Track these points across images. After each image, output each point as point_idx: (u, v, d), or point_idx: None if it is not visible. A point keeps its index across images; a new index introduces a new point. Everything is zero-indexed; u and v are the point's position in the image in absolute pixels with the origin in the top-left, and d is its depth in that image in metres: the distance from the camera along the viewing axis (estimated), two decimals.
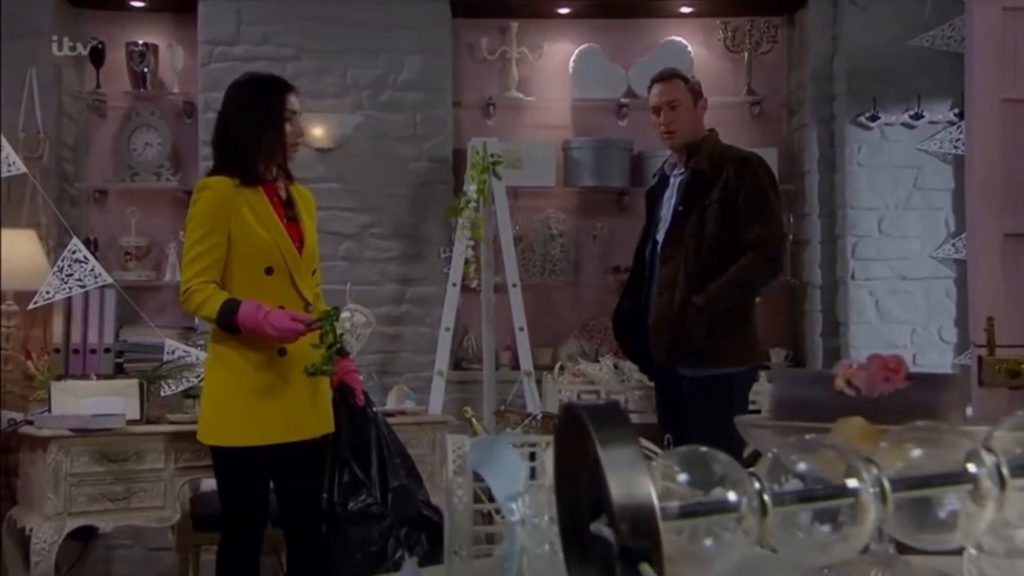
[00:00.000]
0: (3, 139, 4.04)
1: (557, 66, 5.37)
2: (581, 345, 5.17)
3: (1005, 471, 0.90)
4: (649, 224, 3.92)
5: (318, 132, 5.02)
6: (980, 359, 3.67)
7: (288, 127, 3.15)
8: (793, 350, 5.24)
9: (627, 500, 0.77)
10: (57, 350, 3.78)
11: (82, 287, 3.89)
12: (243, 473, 3.10)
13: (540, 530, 1.03)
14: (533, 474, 1.22)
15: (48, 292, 3.92)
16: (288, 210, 3.19)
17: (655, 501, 0.77)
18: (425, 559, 2.94)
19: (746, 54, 5.33)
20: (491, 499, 1.16)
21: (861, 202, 5.01)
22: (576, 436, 0.85)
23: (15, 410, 3.99)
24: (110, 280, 4.00)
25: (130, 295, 4.34)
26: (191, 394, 3.72)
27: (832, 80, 5.12)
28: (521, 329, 4.70)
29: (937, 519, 0.92)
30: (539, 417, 3.75)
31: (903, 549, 1.12)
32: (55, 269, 3.97)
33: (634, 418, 4.50)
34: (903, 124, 5.01)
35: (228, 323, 3.00)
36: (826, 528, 0.90)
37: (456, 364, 5.10)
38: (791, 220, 5.12)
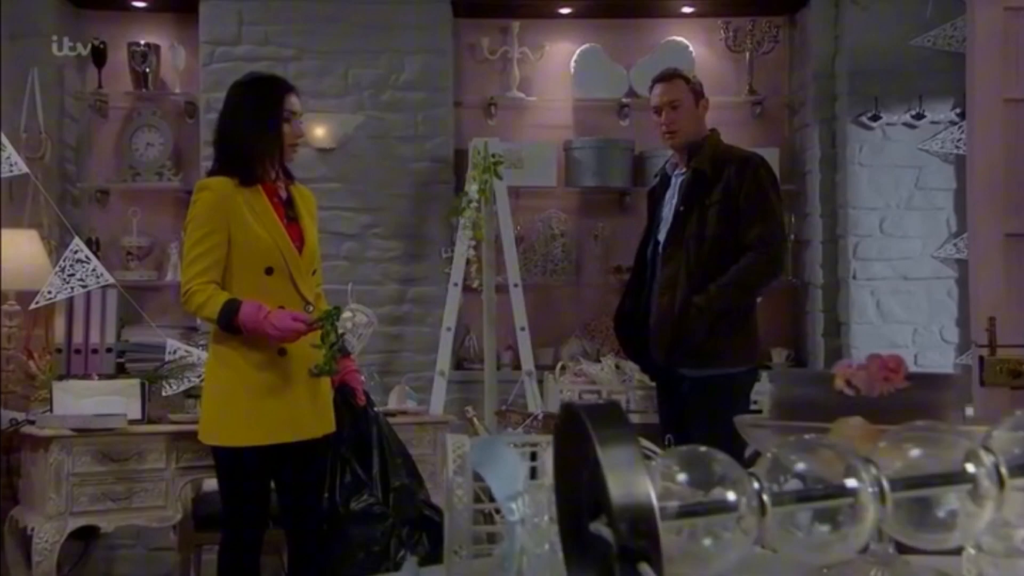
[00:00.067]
0: (5, 139, 4.04)
1: (558, 66, 5.37)
2: (582, 345, 5.17)
3: (1004, 471, 0.90)
4: (650, 224, 3.93)
5: (320, 132, 5.02)
6: (981, 359, 3.67)
7: (287, 127, 3.15)
8: (794, 350, 5.24)
9: (626, 500, 0.77)
10: (59, 350, 3.78)
11: (84, 287, 3.89)
12: (244, 473, 3.11)
13: (540, 530, 1.03)
14: (534, 474, 1.22)
15: (50, 292, 3.92)
16: (288, 210, 3.19)
17: (654, 501, 0.77)
18: (426, 559, 2.94)
19: (748, 54, 5.33)
20: (491, 499, 1.16)
21: (862, 202, 5.01)
22: (575, 436, 0.85)
23: (17, 410, 4.00)
24: (112, 280, 4.01)
25: (132, 295, 4.34)
26: (192, 394, 3.72)
27: (834, 80, 5.12)
28: (522, 329, 4.70)
29: (936, 519, 0.92)
30: (540, 417, 3.76)
31: (903, 549, 1.12)
32: (57, 269, 3.97)
33: (635, 418, 4.50)
34: (905, 124, 5.01)
35: (229, 323, 3.00)
36: (825, 528, 0.90)
37: (457, 364, 5.10)
38: (792, 220, 5.12)
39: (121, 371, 3.78)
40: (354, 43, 5.10)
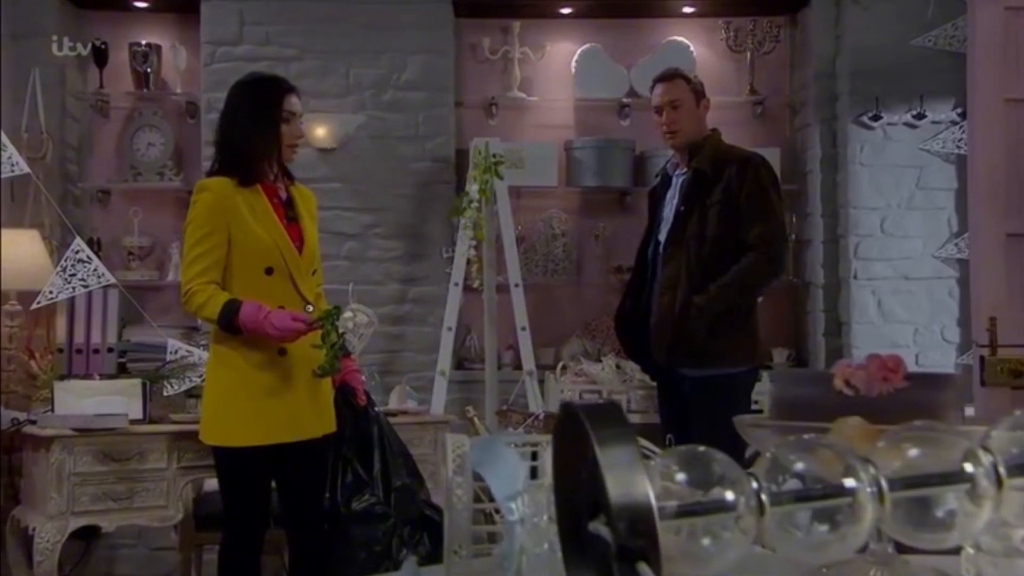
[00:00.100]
0: (6, 139, 4.05)
1: (559, 66, 5.37)
2: (583, 345, 5.17)
3: (1002, 471, 0.90)
4: (651, 224, 3.93)
5: (321, 132, 5.02)
6: (982, 359, 3.68)
7: (286, 128, 3.15)
8: (795, 350, 5.24)
9: (624, 499, 0.78)
10: (60, 350, 3.79)
11: (85, 287, 3.90)
12: (244, 473, 3.11)
13: (539, 529, 1.03)
14: (535, 473, 1.22)
15: (51, 292, 3.92)
16: (288, 210, 3.20)
17: (652, 500, 0.77)
18: (427, 558, 2.95)
19: (748, 54, 5.33)
20: (491, 498, 1.16)
21: (863, 202, 5.01)
22: (574, 435, 0.85)
23: (18, 409, 4.00)
24: (113, 280, 4.01)
25: (133, 295, 4.35)
26: (194, 394, 3.72)
27: (835, 80, 5.12)
28: (523, 329, 4.71)
29: (935, 518, 0.92)
30: (541, 417, 3.76)
31: (902, 548, 1.12)
32: (58, 269, 3.98)
33: (636, 418, 4.50)
34: (906, 124, 5.01)
35: (230, 324, 3.01)
36: (824, 527, 0.90)
37: (458, 364, 5.10)
38: (793, 220, 5.12)
39: (122, 371, 3.79)
40: (355, 43, 5.10)
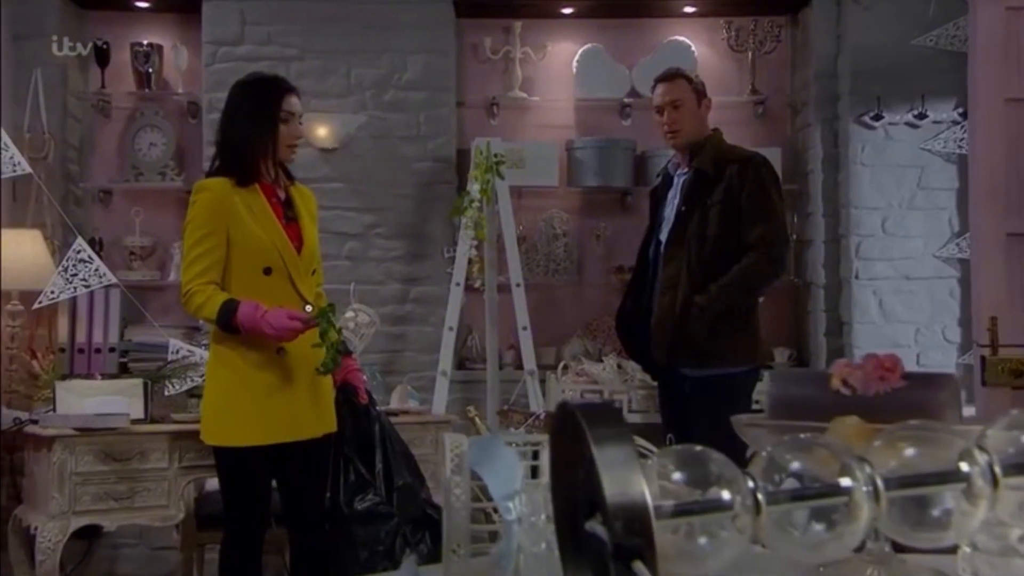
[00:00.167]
0: (8, 139, 4.05)
1: (560, 66, 5.37)
2: (584, 344, 5.18)
3: (998, 470, 0.90)
4: (652, 224, 3.93)
5: (322, 132, 5.03)
6: (983, 359, 3.67)
7: (284, 128, 3.15)
8: (797, 350, 5.24)
9: (621, 498, 0.78)
10: (62, 349, 3.79)
11: (87, 287, 3.90)
12: (245, 473, 3.12)
13: (537, 529, 1.03)
14: (535, 473, 1.22)
15: (53, 292, 3.93)
16: (287, 210, 3.20)
17: (648, 499, 0.78)
18: (429, 557, 2.95)
19: (750, 54, 5.33)
20: (490, 498, 1.17)
21: (865, 202, 5.01)
22: (571, 435, 0.85)
23: (20, 409, 4.01)
24: (114, 280, 4.01)
25: (134, 295, 4.35)
26: (195, 393, 3.72)
27: (836, 79, 5.12)
28: (524, 329, 4.71)
29: (931, 517, 0.92)
30: (542, 416, 3.77)
31: (899, 548, 1.12)
32: (60, 269, 3.98)
33: (637, 418, 4.51)
34: (907, 123, 5.01)
35: (228, 324, 3.01)
36: (820, 527, 0.91)
37: (460, 364, 5.10)
38: (795, 220, 5.12)
39: (124, 371, 3.79)
40: (356, 43, 5.11)
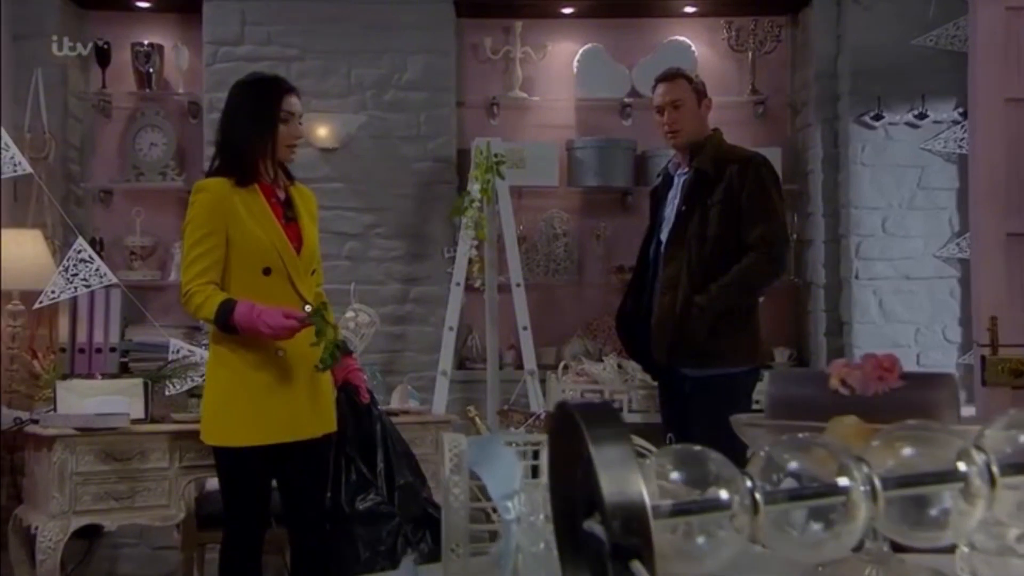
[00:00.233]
0: (9, 139, 4.06)
1: (561, 66, 5.38)
2: (585, 344, 5.18)
3: (995, 469, 0.90)
4: (653, 224, 3.93)
5: (322, 132, 5.03)
6: (983, 359, 3.68)
7: (284, 128, 3.16)
8: (797, 350, 5.24)
9: (618, 498, 0.78)
10: (63, 349, 3.79)
11: (87, 287, 3.90)
12: (244, 473, 3.12)
13: (535, 528, 1.03)
14: (535, 473, 1.22)
15: (54, 292, 3.93)
16: (287, 210, 3.20)
17: (646, 499, 0.78)
18: (430, 557, 2.95)
19: (750, 54, 5.33)
20: (489, 497, 1.17)
21: (865, 202, 5.01)
22: (569, 434, 0.86)
23: (21, 409, 4.01)
24: (115, 280, 4.02)
25: (135, 295, 4.35)
26: (195, 393, 3.72)
27: (836, 79, 5.12)
28: (525, 328, 4.71)
29: (929, 517, 0.92)
30: (542, 416, 3.77)
31: (897, 547, 1.12)
32: (60, 269, 3.99)
33: (638, 418, 4.51)
34: (907, 123, 5.01)
35: (225, 324, 3.02)
36: (818, 526, 0.91)
37: (460, 363, 5.10)
38: (795, 220, 5.12)
39: (124, 371, 3.79)
40: (357, 43, 5.11)
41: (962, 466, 0.91)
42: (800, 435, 0.96)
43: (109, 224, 5.22)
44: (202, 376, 3.67)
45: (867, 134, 5.01)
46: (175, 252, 5.05)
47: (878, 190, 5.01)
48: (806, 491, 0.89)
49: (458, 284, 4.75)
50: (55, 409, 3.57)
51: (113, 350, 3.77)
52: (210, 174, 3.20)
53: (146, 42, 5.19)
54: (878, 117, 4.98)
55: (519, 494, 1.05)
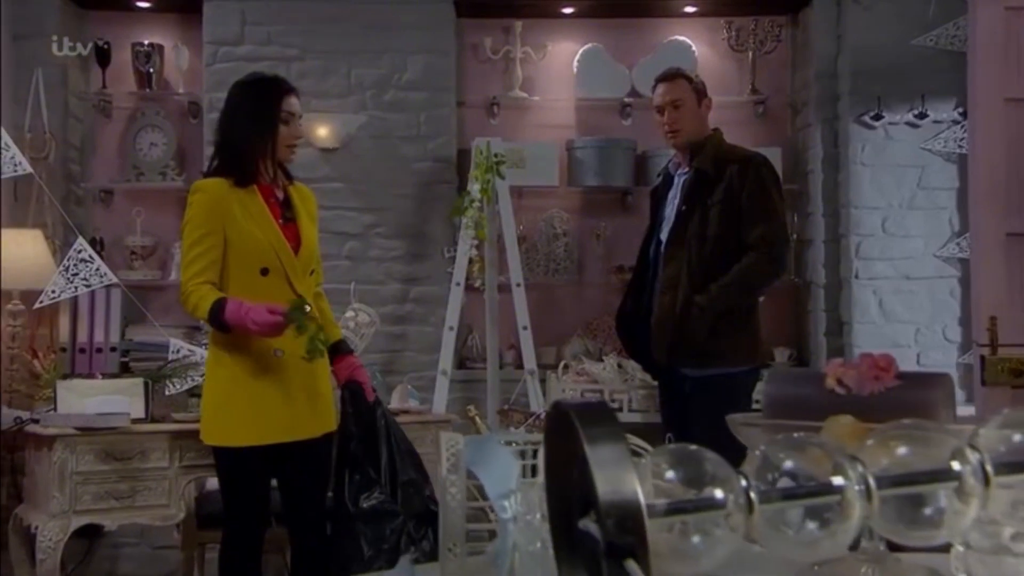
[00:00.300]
0: (9, 139, 4.06)
1: (561, 66, 5.38)
2: (585, 344, 5.18)
3: (989, 468, 0.91)
4: (653, 223, 3.93)
5: (322, 132, 5.03)
6: (983, 358, 3.68)
7: (284, 128, 3.16)
8: (797, 349, 5.24)
9: (613, 497, 0.78)
10: (63, 349, 3.80)
11: (88, 286, 3.91)
12: (243, 473, 3.12)
13: (532, 527, 1.04)
14: (534, 472, 1.23)
15: (54, 291, 3.93)
16: (285, 211, 3.20)
17: (641, 498, 0.78)
18: (432, 554, 2.95)
19: (750, 53, 5.33)
20: (487, 497, 1.17)
21: (865, 201, 5.01)
22: (565, 434, 0.86)
23: (21, 409, 4.02)
24: (115, 279, 4.02)
25: (135, 294, 4.36)
26: (195, 393, 3.73)
27: (836, 79, 5.12)
28: (525, 328, 4.71)
29: (923, 516, 0.93)
30: (542, 416, 3.76)
31: (893, 547, 1.13)
32: (61, 268, 3.99)
33: (637, 417, 4.51)
34: (907, 123, 5.01)
35: (218, 322, 3.02)
36: (814, 525, 0.91)
37: (460, 363, 5.11)
38: (795, 219, 5.12)
39: (125, 370, 3.80)
40: (357, 43, 5.11)
41: (956, 465, 0.91)
42: (795, 434, 0.96)
43: (109, 224, 5.23)
44: (202, 376, 3.67)
45: (867, 134, 5.01)
46: (175, 252, 5.05)
47: (878, 190, 5.01)
48: (801, 490, 0.89)
49: (458, 284, 4.75)
50: (55, 409, 3.58)
51: (113, 350, 3.77)
52: (208, 174, 3.20)
53: (146, 42, 5.20)
54: (878, 117, 4.98)
55: (516, 493, 1.05)
